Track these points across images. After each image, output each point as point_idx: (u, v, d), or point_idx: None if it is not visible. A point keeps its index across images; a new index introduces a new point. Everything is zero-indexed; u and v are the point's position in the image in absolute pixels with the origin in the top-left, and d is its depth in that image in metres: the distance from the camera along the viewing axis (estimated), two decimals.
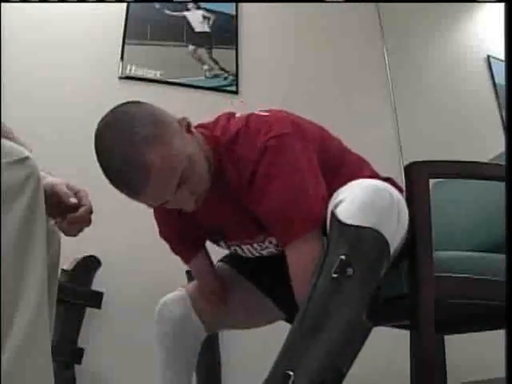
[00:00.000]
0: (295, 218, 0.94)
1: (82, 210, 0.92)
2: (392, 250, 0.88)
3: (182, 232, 1.22)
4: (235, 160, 1.01)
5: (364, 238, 0.84)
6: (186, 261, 1.24)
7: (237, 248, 1.16)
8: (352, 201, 0.87)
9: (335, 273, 0.82)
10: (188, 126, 1.01)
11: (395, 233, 0.88)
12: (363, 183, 0.91)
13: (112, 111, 0.96)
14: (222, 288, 1.21)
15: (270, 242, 1.09)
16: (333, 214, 0.89)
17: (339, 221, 0.86)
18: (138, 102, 1.00)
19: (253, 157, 0.97)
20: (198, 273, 1.23)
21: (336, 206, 0.89)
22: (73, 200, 0.92)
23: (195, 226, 1.18)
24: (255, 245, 1.12)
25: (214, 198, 1.04)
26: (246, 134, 1.01)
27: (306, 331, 0.80)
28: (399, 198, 0.92)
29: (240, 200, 1.03)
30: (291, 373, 0.76)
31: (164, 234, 1.26)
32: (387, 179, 1.07)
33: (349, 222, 0.85)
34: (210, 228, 1.17)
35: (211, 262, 1.25)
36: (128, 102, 0.98)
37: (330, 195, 0.97)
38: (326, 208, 0.95)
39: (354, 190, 0.90)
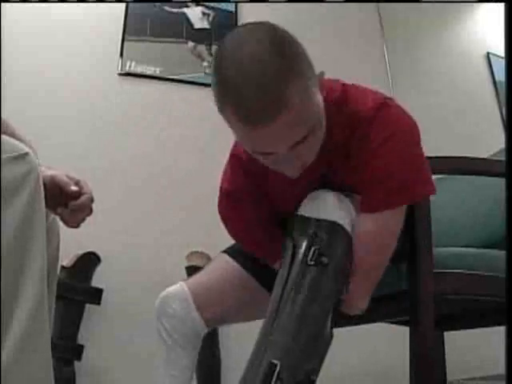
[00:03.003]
0: (411, 180, 0.91)
1: (83, 197, 0.93)
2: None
3: (265, 226, 1.12)
4: (344, 119, 0.93)
5: (334, 232, 0.88)
6: (271, 261, 1.10)
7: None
8: (321, 201, 0.92)
9: (311, 260, 0.85)
10: (322, 86, 0.90)
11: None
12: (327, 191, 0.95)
13: (258, 25, 0.83)
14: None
15: None
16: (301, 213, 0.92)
17: (309, 217, 0.90)
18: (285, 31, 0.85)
19: (367, 113, 0.91)
20: None
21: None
22: (74, 188, 0.92)
23: (273, 212, 1.11)
24: None
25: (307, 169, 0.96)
26: (353, 93, 0.96)
27: (288, 318, 0.81)
28: None
29: (333, 166, 0.98)
30: (277, 362, 0.77)
31: (248, 238, 1.15)
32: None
33: (322, 217, 0.89)
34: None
35: None
36: (275, 25, 0.83)
37: None
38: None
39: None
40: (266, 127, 0.78)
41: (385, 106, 0.93)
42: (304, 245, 0.87)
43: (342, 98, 0.95)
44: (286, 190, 1.05)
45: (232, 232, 1.17)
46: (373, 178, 0.92)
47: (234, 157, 1.10)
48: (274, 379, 0.75)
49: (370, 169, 0.91)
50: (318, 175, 1.00)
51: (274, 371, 0.76)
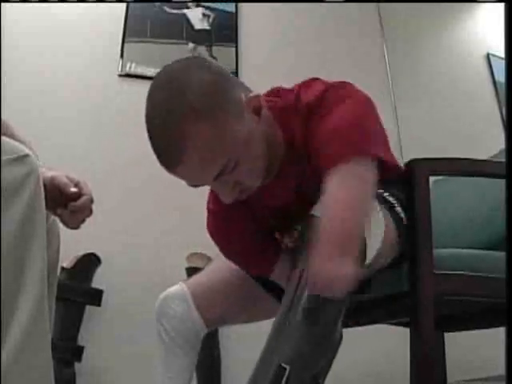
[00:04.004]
0: (360, 138, 0.82)
1: (83, 198, 0.93)
2: (369, 259, 0.87)
3: (256, 241, 1.08)
4: (300, 117, 0.91)
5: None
6: (268, 272, 1.07)
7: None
8: None
9: None
10: (259, 106, 0.89)
11: (374, 242, 0.87)
12: None
13: (171, 66, 0.87)
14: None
15: None
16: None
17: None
18: (205, 61, 0.88)
19: (315, 99, 0.88)
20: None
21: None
22: (73, 189, 0.93)
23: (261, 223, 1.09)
24: None
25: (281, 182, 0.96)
26: (304, 89, 0.93)
27: (299, 321, 0.78)
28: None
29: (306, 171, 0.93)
30: (286, 366, 0.75)
31: (231, 250, 1.12)
32: None
33: None
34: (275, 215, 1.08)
35: None
36: (195, 58, 0.88)
37: None
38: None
39: None
40: (176, 168, 0.83)
41: (332, 87, 0.90)
42: None
43: (295, 99, 0.93)
44: (267, 205, 1.05)
45: (223, 251, 1.14)
46: (322, 139, 0.85)
47: None
48: (282, 383, 0.74)
49: (319, 133, 0.85)
50: (292, 185, 0.98)
51: (283, 375, 0.74)
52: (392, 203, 1.01)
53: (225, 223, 1.10)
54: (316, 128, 0.86)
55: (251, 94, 0.89)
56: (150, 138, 0.85)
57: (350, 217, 0.77)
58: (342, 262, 0.74)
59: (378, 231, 0.90)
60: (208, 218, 1.14)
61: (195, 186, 0.90)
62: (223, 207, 1.05)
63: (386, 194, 1.02)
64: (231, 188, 0.89)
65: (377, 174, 0.83)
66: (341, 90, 0.89)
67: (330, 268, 0.73)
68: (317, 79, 0.97)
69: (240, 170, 0.86)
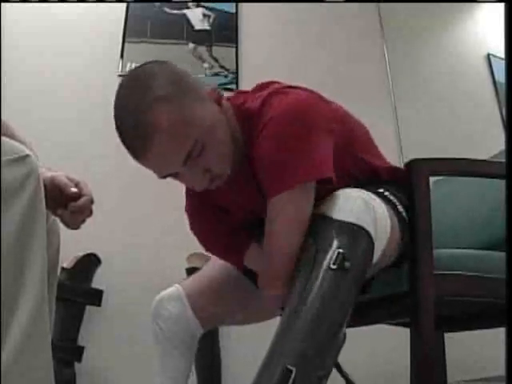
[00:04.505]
0: (293, 163, 0.88)
1: (83, 198, 0.93)
2: (375, 259, 0.89)
3: (223, 228, 1.16)
4: (246, 123, 0.96)
5: (359, 237, 0.84)
6: (239, 262, 1.14)
7: None
8: (346, 202, 0.87)
9: (334, 264, 0.81)
10: (218, 98, 0.94)
11: (379, 244, 0.89)
12: (352, 192, 0.90)
13: (135, 68, 0.92)
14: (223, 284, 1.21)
15: None
16: (324, 214, 0.88)
17: (333, 218, 0.85)
18: (165, 63, 0.92)
19: (254, 108, 0.94)
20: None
21: (328, 209, 0.88)
22: (73, 189, 0.93)
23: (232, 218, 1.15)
24: None
25: (242, 179, 1.01)
26: (251, 97, 0.99)
27: (305, 322, 0.78)
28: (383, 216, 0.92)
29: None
30: (292, 368, 0.74)
31: (219, 250, 1.18)
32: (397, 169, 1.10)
33: (348, 219, 0.84)
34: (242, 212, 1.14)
35: None
36: (156, 61, 0.91)
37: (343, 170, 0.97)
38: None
39: (347, 194, 0.89)
40: (146, 155, 0.85)
41: (272, 95, 0.94)
42: (329, 248, 0.82)
43: (241, 105, 0.98)
44: (235, 200, 1.10)
45: (206, 247, 1.20)
46: (260, 166, 0.93)
47: None
48: None
49: (257, 158, 0.93)
50: (253, 183, 1.00)
51: (290, 377, 0.73)
52: (394, 203, 1.01)
53: (199, 222, 1.18)
54: (256, 149, 0.92)
55: (209, 88, 0.95)
56: (119, 132, 0.88)
57: (279, 250, 0.89)
58: (271, 287, 0.92)
59: (383, 234, 0.90)
60: (188, 220, 1.20)
61: (165, 176, 0.92)
62: (195, 208, 1.17)
63: (387, 194, 1.02)
64: (202, 175, 0.91)
65: (313, 193, 0.91)
66: (277, 100, 0.93)
67: (265, 290, 0.95)
68: (271, 83, 1.02)
69: (207, 155, 0.89)
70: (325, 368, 0.78)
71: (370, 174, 1.08)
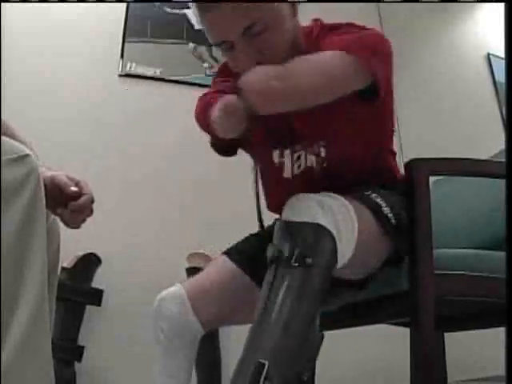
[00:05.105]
0: (372, 49, 0.94)
1: (83, 198, 0.93)
2: (345, 259, 0.91)
3: None
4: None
5: (319, 234, 0.87)
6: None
7: (287, 159, 1.13)
8: (301, 204, 0.91)
9: (295, 262, 0.84)
10: (295, 9, 1.02)
11: (346, 244, 0.91)
12: (309, 195, 0.93)
13: None
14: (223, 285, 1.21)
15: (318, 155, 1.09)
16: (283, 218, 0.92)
17: (291, 221, 0.89)
18: None
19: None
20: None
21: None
22: (74, 189, 0.93)
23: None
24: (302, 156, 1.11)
25: None
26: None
27: (276, 316, 0.81)
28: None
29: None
30: (265, 362, 0.76)
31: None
32: None
33: (304, 220, 0.88)
34: (278, 128, 1.12)
35: None
36: None
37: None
38: None
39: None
40: (211, 11, 0.90)
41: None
42: (287, 247, 0.86)
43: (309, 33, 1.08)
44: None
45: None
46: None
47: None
48: (262, 379, 0.75)
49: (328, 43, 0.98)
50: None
51: (262, 371, 0.76)
52: (378, 203, 1.01)
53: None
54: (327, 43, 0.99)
55: None
56: None
57: (307, 72, 0.91)
58: (267, 79, 0.87)
59: (349, 235, 0.92)
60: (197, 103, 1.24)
61: (219, 44, 0.95)
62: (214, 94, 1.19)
63: (373, 195, 1.02)
64: (253, 54, 0.93)
65: (358, 80, 0.94)
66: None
67: (253, 78, 0.87)
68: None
69: (266, 37, 0.92)
70: (301, 363, 0.80)
71: (386, 170, 1.13)
